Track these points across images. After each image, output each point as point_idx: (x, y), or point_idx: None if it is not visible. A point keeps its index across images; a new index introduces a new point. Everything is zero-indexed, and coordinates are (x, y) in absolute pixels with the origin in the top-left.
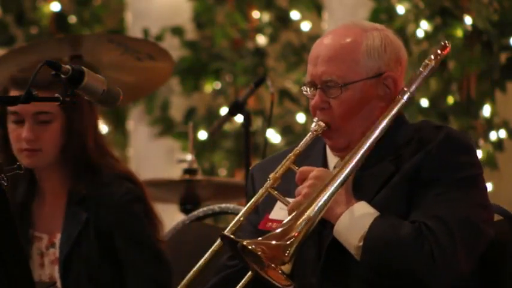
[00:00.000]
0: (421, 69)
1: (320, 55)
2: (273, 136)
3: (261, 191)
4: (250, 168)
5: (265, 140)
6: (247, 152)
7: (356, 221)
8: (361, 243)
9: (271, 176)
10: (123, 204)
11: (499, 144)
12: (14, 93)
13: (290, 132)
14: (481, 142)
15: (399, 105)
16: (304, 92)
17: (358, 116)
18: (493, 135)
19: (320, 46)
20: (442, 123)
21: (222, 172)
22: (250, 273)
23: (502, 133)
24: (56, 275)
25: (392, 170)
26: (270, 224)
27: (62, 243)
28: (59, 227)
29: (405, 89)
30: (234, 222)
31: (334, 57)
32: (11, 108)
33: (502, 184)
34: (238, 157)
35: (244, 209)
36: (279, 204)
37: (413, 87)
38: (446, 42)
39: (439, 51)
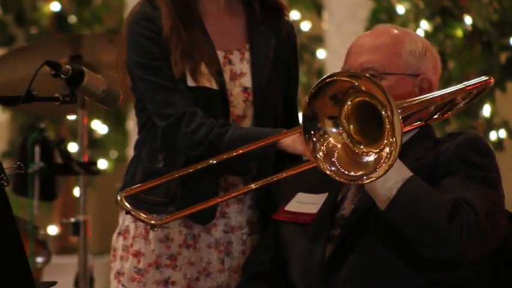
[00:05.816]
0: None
1: (364, 45)
2: None
3: None
4: None
5: None
6: None
7: (399, 166)
8: (398, 184)
9: None
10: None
11: (499, 144)
12: None
13: None
14: None
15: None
16: None
17: None
18: (493, 135)
19: (364, 38)
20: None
21: None
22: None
23: (502, 133)
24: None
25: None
26: (285, 215)
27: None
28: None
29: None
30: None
31: (378, 47)
32: None
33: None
34: None
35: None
36: (296, 198)
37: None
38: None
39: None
